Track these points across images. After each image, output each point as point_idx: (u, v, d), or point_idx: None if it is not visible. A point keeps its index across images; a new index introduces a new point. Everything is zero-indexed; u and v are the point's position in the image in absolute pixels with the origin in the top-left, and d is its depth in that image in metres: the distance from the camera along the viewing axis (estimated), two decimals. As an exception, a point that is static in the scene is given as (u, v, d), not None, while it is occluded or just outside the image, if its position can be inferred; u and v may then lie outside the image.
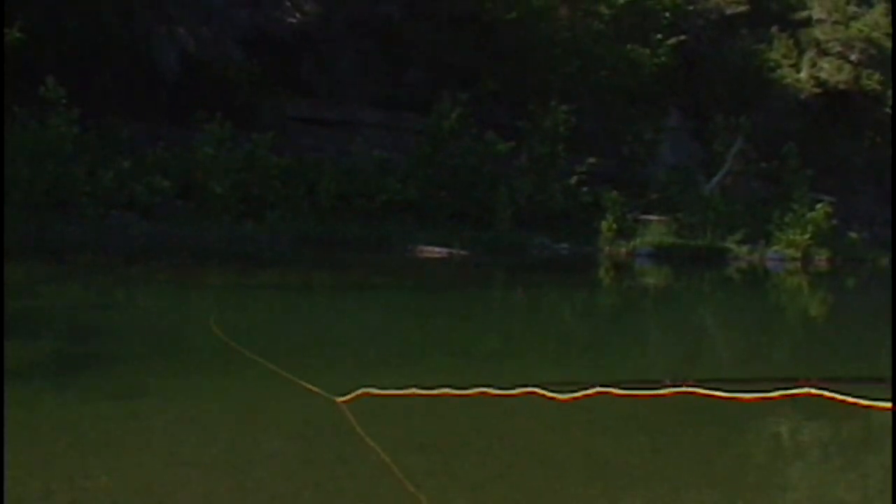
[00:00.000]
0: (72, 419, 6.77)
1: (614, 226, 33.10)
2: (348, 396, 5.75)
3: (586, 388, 3.29)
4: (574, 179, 34.55)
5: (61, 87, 27.33)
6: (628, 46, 37.71)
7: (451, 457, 6.27)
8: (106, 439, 6.38)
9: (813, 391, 2.87)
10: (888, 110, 43.12)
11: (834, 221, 35.42)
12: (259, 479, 5.60)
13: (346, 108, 34.96)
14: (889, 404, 2.76)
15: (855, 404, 2.78)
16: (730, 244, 33.68)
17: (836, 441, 7.61)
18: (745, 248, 33.74)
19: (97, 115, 28.69)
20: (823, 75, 43.14)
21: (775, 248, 34.19)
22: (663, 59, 38.31)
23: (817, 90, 42.93)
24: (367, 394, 5.35)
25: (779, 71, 42.66)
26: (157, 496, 5.18)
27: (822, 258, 34.10)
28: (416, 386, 4.98)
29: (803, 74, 43.37)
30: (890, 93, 42.92)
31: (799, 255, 33.81)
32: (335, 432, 6.53)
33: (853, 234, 37.06)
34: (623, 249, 32.61)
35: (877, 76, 43.31)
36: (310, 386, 7.23)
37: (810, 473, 6.61)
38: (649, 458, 6.63)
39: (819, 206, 34.98)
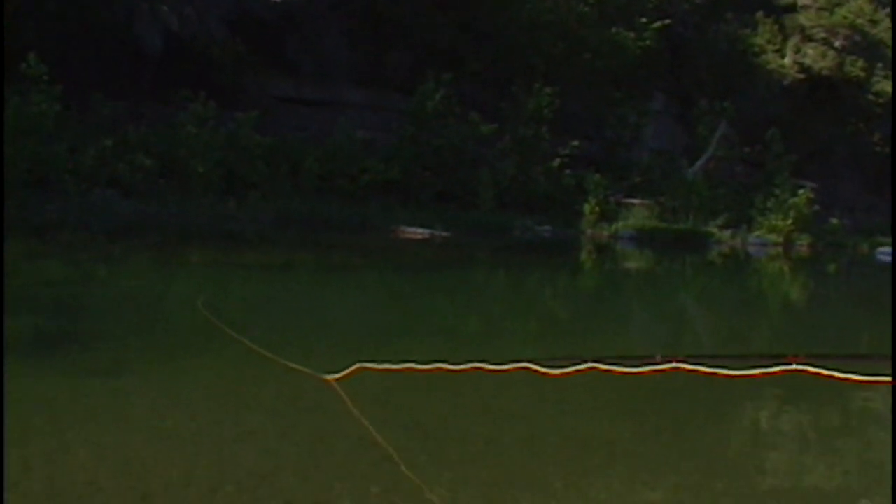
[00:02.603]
0: (50, 395, 6.72)
1: (597, 209, 33.16)
2: (342, 373, 5.72)
3: (578, 364, 3.28)
4: (557, 162, 34.58)
5: (43, 63, 27.14)
6: (613, 29, 37.70)
7: (432, 434, 6.26)
8: (85, 415, 6.33)
9: (807, 368, 2.86)
10: (872, 97, 43.28)
11: (816, 207, 35.55)
12: (239, 456, 5.57)
13: (329, 88, 34.90)
14: (888, 378, 2.75)
15: (857, 381, 2.77)
16: (712, 228, 33.77)
17: (821, 421, 7.63)
18: (727, 233, 33.84)
19: (79, 92, 28.53)
20: (807, 61, 43.25)
21: (757, 233, 34.31)
22: (648, 42, 38.30)
23: (801, 76, 43.05)
24: (362, 369, 5.32)
25: (763, 56, 42.75)
26: (135, 472, 5.14)
27: (803, 244, 34.23)
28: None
29: (787, 60, 43.46)
30: (875, 79, 43.09)
31: (780, 240, 33.94)
32: (318, 409, 6.51)
33: (834, 221, 37.20)
34: (605, 232, 32.68)
35: (860, 63, 43.47)
36: (295, 364, 7.21)
37: (793, 454, 6.61)
38: (631, 437, 6.62)
39: (801, 191, 35.10)
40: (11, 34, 27.46)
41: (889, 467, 5.55)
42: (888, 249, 31.40)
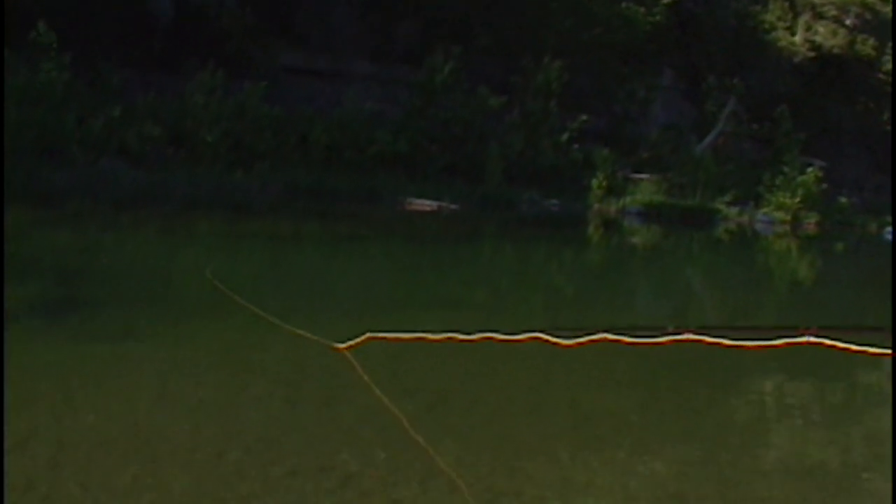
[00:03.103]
0: (58, 360, 6.74)
1: (604, 183, 33.08)
2: (352, 342, 5.72)
3: (590, 334, 3.27)
4: (565, 136, 34.46)
5: (52, 32, 27.08)
6: (623, 4, 37.56)
7: (439, 403, 6.27)
8: (93, 380, 6.35)
9: (815, 339, 2.85)
10: (882, 76, 43.10)
11: (824, 185, 35.41)
12: (246, 422, 5.59)
13: (338, 60, 34.77)
14: (890, 351, 2.74)
15: (871, 354, 2.76)
16: (719, 205, 33.69)
17: (827, 394, 7.63)
18: (734, 210, 33.76)
19: (88, 60, 28.45)
20: (818, 39, 43.06)
21: (765, 210, 34.21)
22: (658, 17, 38.16)
23: (811, 54, 42.86)
24: (372, 338, 5.32)
25: (773, 33, 42.56)
26: (143, 435, 5.17)
27: (810, 222, 34.13)
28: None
29: (798, 37, 43.27)
30: (885, 58, 42.89)
31: (788, 218, 33.84)
32: (326, 377, 6.52)
33: (843, 199, 37.06)
34: (613, 207, 32.61)
35: (871, 41, 43.28)
36: (304, 333, 7.21)
37: (799, 427, 6.61)
38: (636, 409, 6.63)
39: (810, 169, 34.97)
40: (21, 2, 27.37)
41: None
42: (896, 229, 31.35)
